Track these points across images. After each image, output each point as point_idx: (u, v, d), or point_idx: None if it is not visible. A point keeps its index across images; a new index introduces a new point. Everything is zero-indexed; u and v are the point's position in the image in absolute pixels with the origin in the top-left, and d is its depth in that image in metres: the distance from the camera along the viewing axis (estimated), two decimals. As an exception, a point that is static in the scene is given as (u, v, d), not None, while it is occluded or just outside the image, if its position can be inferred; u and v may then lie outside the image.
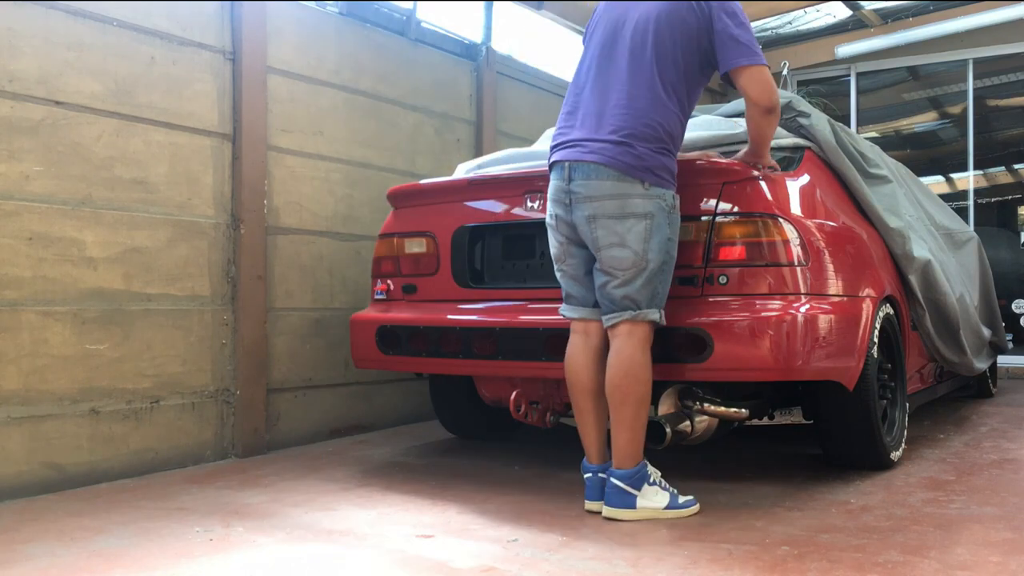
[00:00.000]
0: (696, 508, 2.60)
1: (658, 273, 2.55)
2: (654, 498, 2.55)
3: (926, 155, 9.94)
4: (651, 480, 2.57)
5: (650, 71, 2.57)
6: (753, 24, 6.96)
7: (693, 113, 3.68)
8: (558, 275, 2.73)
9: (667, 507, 2.55)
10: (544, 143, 3.91)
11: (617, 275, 2.54)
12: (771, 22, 7.25)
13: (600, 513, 2.57)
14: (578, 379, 2.65)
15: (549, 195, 2.69)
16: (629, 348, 2.53)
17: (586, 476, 2.66)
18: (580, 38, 2.88)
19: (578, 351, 2.67)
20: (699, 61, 2.61)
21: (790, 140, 3.23)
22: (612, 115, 2.56)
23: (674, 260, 2.61)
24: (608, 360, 2.57)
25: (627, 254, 2.52)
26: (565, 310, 2.73)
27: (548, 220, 2.71)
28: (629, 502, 2.53)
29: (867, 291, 3.04)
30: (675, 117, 2.59)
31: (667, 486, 2.60)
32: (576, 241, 2.64)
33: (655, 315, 2.55)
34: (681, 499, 2.59)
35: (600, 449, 2.66)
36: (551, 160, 2.68)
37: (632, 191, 2.51)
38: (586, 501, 2.64)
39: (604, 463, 2.64)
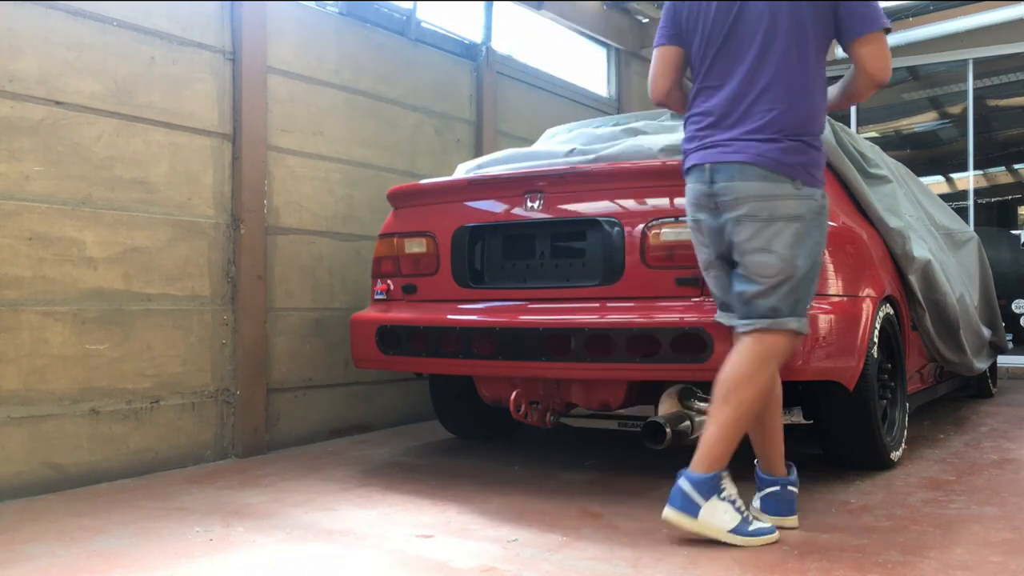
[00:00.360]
0: (773, 537, 2.31)
1: (805, 280, 2.33)
2: (720, 516, 2.27)
3: (926, 155, 9.94)
4: (723, 495, 2.29)
5: (786, 56, 2.31)
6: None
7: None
8: (709, 282, 2.52)
9: (732, 531, 2.27)
10: (544, 143, 3.91)
11: (761, 282, 2.31)
12: (771, 22, 7.24)
13: (793, 528, 2.41)
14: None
15: (689, 199, 2.47)
16: (753, 351, 2.31)
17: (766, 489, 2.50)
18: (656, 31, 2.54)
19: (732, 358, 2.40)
20: (829, 35, 2.35)
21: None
22: (755, 109, 2.32)
23: (820, 266, 2.39)
24: (729, 356, 2.36)
25: (773, 260, 2.29)
26: (722, 318, 2.49)
27: (690, 225, 2.50)
28: (692, 509, 2.26)
29: (867, 291, 3.04)
30: (820, 102, 2.37)
31: (742, 508, 2.32)
32: (722, 247, 2.43)
33: (794, 324, 2.32)
34: (752, 526, 2.31)
35: (780, 459, 2.50)
36: (689, 163, 2.44)
37: (781, 191, 2.28)
38: (785, 517, 2.45)
39: (784, 473, 2.48)
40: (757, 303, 2.33)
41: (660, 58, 2.53)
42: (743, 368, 2.31)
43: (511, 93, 5.39)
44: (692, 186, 2.45)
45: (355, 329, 3.41)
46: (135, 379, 3.26)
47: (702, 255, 2.51)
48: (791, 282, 2.31)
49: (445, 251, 3.26)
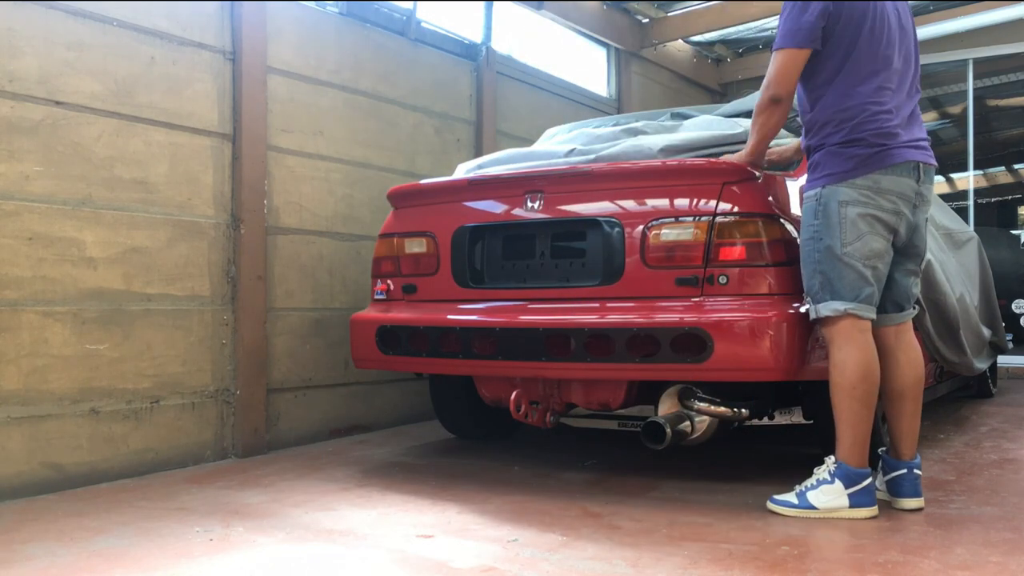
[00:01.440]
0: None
1: None
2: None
3: (926, 155, 9.92)
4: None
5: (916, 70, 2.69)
6: (753, 24, 6.98)
7: (692, 114, 3.71)
8: (869, 272, 2.53)
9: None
10: (544, 143, 3.91)
11: (919, 276, 2.74)
12: (771, 22, 7.24)
13: (920, 510, 2.59)
14: (878, 380, 2.56)
15: (895, 191, 2.53)
16: (916, 340, 2.74)
17: (898, 474, 2.63)
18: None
19: (876, 354, 2.56)
20: None
21: (790, 140, 3.23)
22: (919, 115, 2.66)
23: None
24: (906, 356, 2.65)
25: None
26: (865, 311, 2.54)
27: (885, 216, 2.53)
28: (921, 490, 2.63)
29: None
30: None
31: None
32: (894, 243, 2.60)
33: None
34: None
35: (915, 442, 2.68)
36: (899, 159, 2.52)
37: None
38: (903, 499, 2.61)
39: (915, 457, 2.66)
40: (915, 290, 2.73)
41: (796, 59, 2.55)
42: (921, 359, 2.69)
43: (511, 93, 5.39)
44: (899, 179, 2.54)
45: (355, 329, 3.41)
46: (135, 379, 3.26)
47: (877, 244, 2.54)
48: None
49: (445, 251, 3.26)
